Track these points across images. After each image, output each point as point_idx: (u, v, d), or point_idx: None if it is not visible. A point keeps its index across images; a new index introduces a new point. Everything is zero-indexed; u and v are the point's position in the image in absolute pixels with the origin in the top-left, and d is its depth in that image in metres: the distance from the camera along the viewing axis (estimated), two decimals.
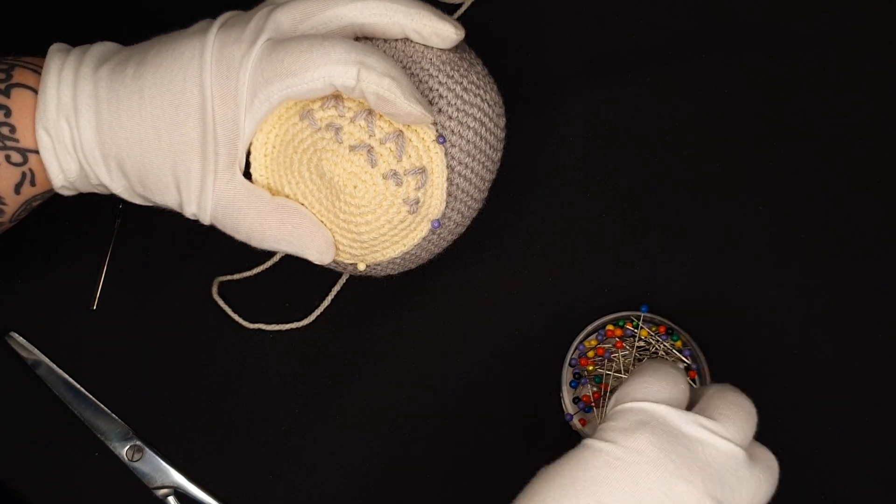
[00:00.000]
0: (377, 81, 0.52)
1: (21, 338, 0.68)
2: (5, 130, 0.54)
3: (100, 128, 0.54)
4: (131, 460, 0.67)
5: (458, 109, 0.57)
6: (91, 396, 0.68)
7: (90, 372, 0.68)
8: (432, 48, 0.58)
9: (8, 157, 0.54)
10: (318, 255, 0.57)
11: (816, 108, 0.72)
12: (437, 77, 0.57)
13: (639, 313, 0.67)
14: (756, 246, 0.70)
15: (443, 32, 0.56)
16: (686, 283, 0.69)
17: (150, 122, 0.54)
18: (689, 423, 0.51)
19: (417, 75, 0.57)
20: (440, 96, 0.57)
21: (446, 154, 0.56)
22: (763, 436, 0.67)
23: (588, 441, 0.51)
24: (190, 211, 0.56)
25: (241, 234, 0.57)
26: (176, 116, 0.53)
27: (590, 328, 0.67)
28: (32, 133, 0.54)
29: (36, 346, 0.68)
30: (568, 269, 0.70)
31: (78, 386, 0.68)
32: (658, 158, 0.71)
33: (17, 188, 0.56)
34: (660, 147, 0.71)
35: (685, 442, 0.50)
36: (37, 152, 0.55)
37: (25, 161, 0.55)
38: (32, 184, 0.56)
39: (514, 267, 0.70)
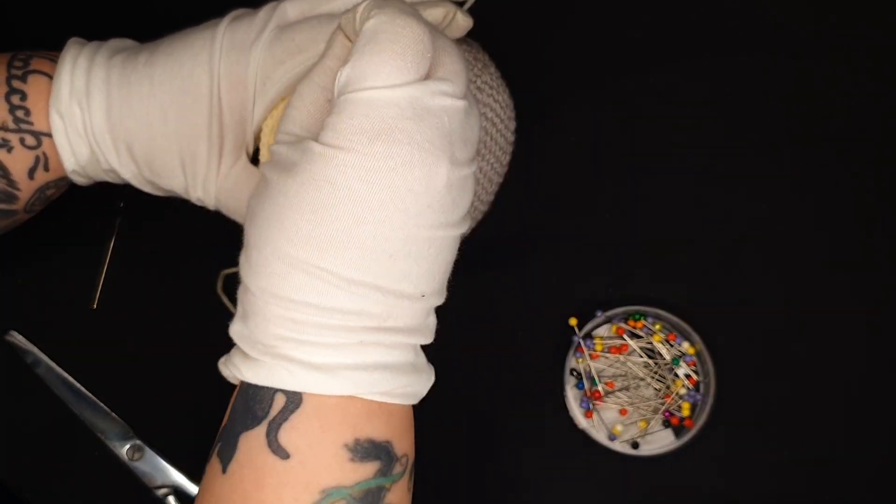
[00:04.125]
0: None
1: (21, 336, 0.68)
2: (20, 114, 0.55)
3: (110, 111, 0.55)
4: (131, 460, 0.67)
5: None
6: (91, 395, 0.67)
7: (90, 371, 0.68)
8: None
9: (22, 140, 0.55)
10: None
11: (818, 108, 0.72)
12: None
13: (645, 308, 0.67)
14: (759, 244, 0.70)
15: (456, 23, 0.56)
16: (689, 282, 0.69)
17: (159, 107, 0.55)
18: (433, 96, 0.44)
19: None
20: None
21: None
22: (765, 434, 0.67)
23: (322, 150, 0.43)
24: (195, 195, 0.57)
25: (242, 218, 0.56)
26: (184, 101, 0.54)
27: (591, 325, 0.67)
28: (46, 117, 0.55)
29: (36, 345, 0.68)
30: (570, 269, 0.70)
31: (78, 385, 0.67)
32: (660, 158, 0.71)
33: (31, 172, 0.56)
34: (662, 146, 0.71)
35: (430, 118, 0.44)
36: (50, 136, 0.56)
37: (39, 144, 0.56)
38: (46, 168, 0.57)
39: (515, 266, 0.70)
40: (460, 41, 0.60)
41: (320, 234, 0.43)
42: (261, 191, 0.46)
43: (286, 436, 0.45)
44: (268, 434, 0.45)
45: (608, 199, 0.71)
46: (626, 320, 0.68)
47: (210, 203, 0.57)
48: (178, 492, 0.67)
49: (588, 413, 0.66)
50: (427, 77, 0.45)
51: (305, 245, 0.44)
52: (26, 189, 0.57)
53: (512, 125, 0.61)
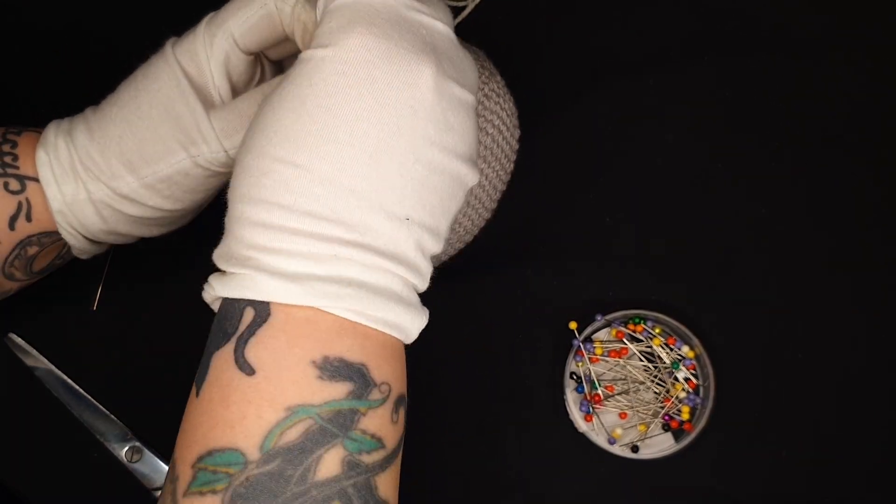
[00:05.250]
0: (309, 10, 0.53)
1: (20, 339, 0.68)
2: (8, 159, 0.57)
3: (91, 133, 0.56)
4: (130, 461, 0.67)
5: (478, 115, 0.57)
6: (90, 398, 0.67)
7: (89, 373, 0.68)
8: None
9: (6, 185, 0.56)
10: None
11: (818, 110, 0.72)
12: None
13: (644, 312, 0.67)
14: (759, 247, 0.70)
15: None
16: (689, 285, 0.69)
17: (129, 98, 0.56)
18: (406, 7, 0.46)
19: None
20: None
21: None
22: (765, 437, 0.67)
23: (304, 54, 0.45)
24: (204, 156, 0.55)
25: None
26: (147, 84, 0.55)
27: (591, 329, 0.67)
28: (33, 162, 0.57)
29: (35, 348, 0.68)
30: (570, 272, 0.70)
31: (77, 387, 0.67)
32: (661, 160, 0.71)
33: (12, 222, 0.57)
34: (662, 148, 0.71)
35: (408, 26, 0.45)
36: (36, 180, 0.57)
37: (23, 189, 0.57)
38: (28, 219, 0.57)
39: (515, 269, 0.70)
40: (466, 48, 0.60)
41: (298, 128, 0.43)
42: (267, 99, 0.47)
43: (252, 351, 0.44)
44: (235, 350, 0.44)
45: (608, 201, 0.71)
46: (625, 324, 0.68)
47: (217, 148, 0.55)
48: None
49: (588, 416, 0.66)
50: None
51: (283, 141, 0.44)
52: (6, 241, 0.57)
53: (517, 133, 0.61)
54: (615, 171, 0.71)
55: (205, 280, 0.68)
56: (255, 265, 0.44)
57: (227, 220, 0.46)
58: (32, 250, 0.59)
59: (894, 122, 0.72)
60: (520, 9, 0.74)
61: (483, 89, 0.58)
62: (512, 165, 0.62)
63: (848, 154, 0.71)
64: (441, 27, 0.47)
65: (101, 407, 0.67)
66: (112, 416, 0.67)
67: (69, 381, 0.67)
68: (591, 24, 0.74)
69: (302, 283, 0.43)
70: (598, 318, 0.67)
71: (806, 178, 0.71)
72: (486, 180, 0.59)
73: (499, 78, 0.60)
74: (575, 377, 0.67)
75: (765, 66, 0.73)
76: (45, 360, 0.68)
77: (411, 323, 0.47)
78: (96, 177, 0.56)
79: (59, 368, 0.68)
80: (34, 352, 0.68)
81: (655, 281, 0.69)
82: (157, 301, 0.69)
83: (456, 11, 0.73)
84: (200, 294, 0.68)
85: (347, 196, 0.43)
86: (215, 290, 0.46)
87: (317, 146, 0.43)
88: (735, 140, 0.72)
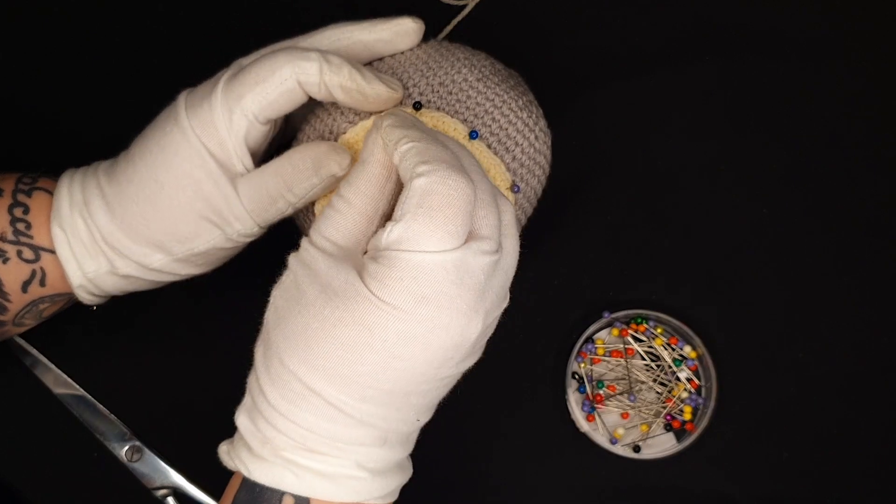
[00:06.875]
0: (337, 71, 0.52)
1: (20, 338, 0.68)
2: (21, 227, 0.56)
3: (111, 211, 0.55)
4: (130, 461, 0.67)
5: (529, 157, 0.57)
6: (90, 397, 0.67)
7: (89, 372, 0.68)
8: (510, 92, 0.57)
9: (20, 253, 0.56)
10: (337, 155, 0.53)
11: (818, 111, 0.72)
12: (516, 124, 0.56)
13: (646, 312, 0.67)
14: (760, 247, 0.70)
15: (402, 27, 0.57)
16: (690, 285, 0.69)
17: (149, 176, 0.54)
18: (475, 256, 0.46)
19: (499, 121, 0.56)
20: (516, 144, 0.56)
21: (515, 203, 0.56)
22: (766, 437, 0.67)
23: (370, 297, 0.45)
24: (239, 232, 0.55)
25: (284, 206, 0.55)
26: (167, 159, 0.54)
27: (593, 328, 0.67)
28: (48, 232, 0.56)
29: (35, 347, 0.68)
30: (571, 272, 0.70)
31: (77, 386, 0.67)
32: (662, 161, 0.71)
33: (25, 286, 0.57)
34: (663, 150, 0.71)
35: (472, 281, 0.46)
36: (51, 251, 0.56)
37: (37, 258, 0.56)
38: (42, 284, 0.57)
39: (517, 268, 0.69)
40: (509, 76, 0.59)
41: (346, 372, 0.46)
42: (292, 295, 0.48)
43: None
44: None
45: (609, 201, 0.71)
46: (627, 324, 0.68)
47: (250, 225, 0.55)
48: (178, 493, 0.66)
49: (590, 416, 0.66)
50: (469, 233, 0.47)
51: (329, 378, 0.46)
52: (17, 301, 0.57)
53: (549, 140, 0.60)
54: (615, 171, 0.71)
55: (204, 279, 0.68)
56: (292, 461, 0.48)
57: (258, 401, 0.49)
58: (44, 306, 0.59)
59: (894, 122, 0.72)
60: (520, 9, 0.74)
61: (535, 130, 0.58)
62: (548, 169, 0.61)
63: (848, 154, 0.72)
64: (494, 259, 0.47)
65: (100, 406, 0.67)
66: (112, 416, 0.67)
67: (69, 380, 0.67)
68: (590, 24, 0.74)
69: (337, 483, 0.48)
70: (606, 314, 0.67)
71: (806, 178, 0.71)
72: (526, 218, 0.59)
73: (541, 111, 0.60)
74: (577, 377, 0.67)
75: (765, 66, 0.73)
76: (45, 360, 0.68)
77: (406, 478, 0.54)
78: (124, 255, 0.56)
79: (58, 367, 0.68)
80: (34, 351, 0.68)
81: (657, 281, 0.69)
82: (157, 300, 0.69)
83: (455, 11, 0.72)
84: (200, 294, 0.68)
85: (378, 422, 0.48)
86: (253, 475, 0.49)
87: (362, 390, 0.46)
88: (735, 140, 0.72)
